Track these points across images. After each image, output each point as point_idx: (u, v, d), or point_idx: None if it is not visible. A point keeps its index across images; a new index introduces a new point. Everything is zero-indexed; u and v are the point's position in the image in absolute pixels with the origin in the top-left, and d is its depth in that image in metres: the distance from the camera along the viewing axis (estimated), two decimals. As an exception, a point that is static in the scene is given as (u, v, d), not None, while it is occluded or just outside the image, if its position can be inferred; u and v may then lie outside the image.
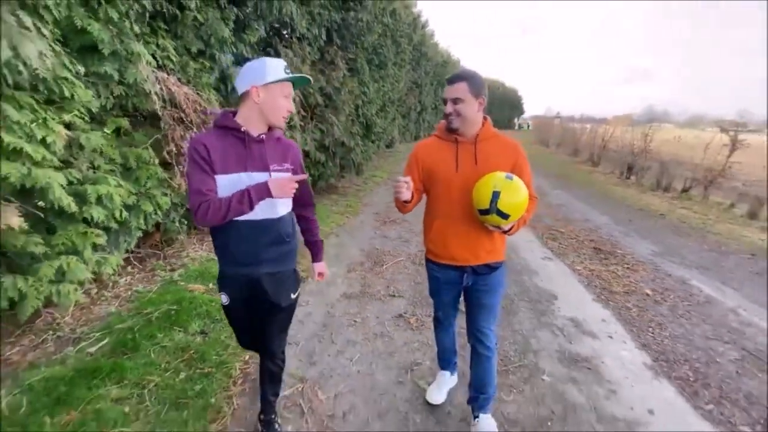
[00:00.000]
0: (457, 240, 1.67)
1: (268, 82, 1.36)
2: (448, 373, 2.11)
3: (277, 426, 1.81)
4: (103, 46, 2.52)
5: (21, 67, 1.76)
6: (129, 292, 3.01)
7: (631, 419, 2.02)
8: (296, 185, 1.40)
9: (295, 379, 2.19)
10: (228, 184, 1.38)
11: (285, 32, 5.90)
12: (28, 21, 1.78)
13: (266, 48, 5.48)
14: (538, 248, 4.79)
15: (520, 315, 3.06)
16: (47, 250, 2.25)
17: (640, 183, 9.92)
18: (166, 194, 3.20)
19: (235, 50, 4.40)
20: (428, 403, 2.03)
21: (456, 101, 1.55)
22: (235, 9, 4.10)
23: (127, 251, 3.17)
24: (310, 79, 1.54)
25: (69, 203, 2.21)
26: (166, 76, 3.17)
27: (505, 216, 1.46)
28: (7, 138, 1.88)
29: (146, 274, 3.33)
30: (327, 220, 5.41)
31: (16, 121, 1.95)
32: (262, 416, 1.82)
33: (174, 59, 3.36)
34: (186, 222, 3.75)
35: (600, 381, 2.31)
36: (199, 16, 3.63)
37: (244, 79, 1.40)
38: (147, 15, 3.05)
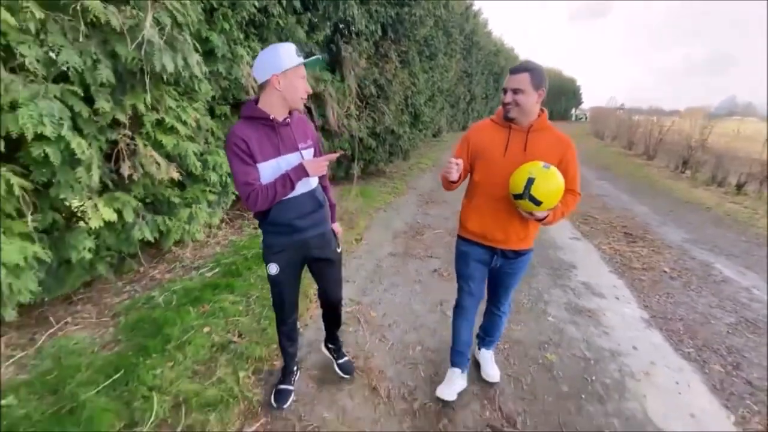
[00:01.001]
0: (494, 221, 1.73)
1: (285, 69, 1.45)
2: (458, 370, 2.04)
3: (344, 351, 2.23)
4: (218, 50, 3.35)
5: (183, 72, 2.59)
6: (226, 241, 3.91)
7: (615, 350, 2.53)
8: (328, 163, 1.55)
9: (353, 302, 2.93)
10: (269, 170, 1.52)
11: (345, 29, 6.60)
12: (188, 38, 2.59)
13: (329, 44, 6.22)
14: (569, 230, 5.17)
15: (539, 278, 3.57)
16: (181, 200, 3.15)
17: (695, 177, 9.64)
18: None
19: (306, 48, 5.18)
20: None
21: (516, 92, 1.59)
22: (308, 14, 4.86)
23: (223, 210, 4.08)
24: (320, 58, 1.65)
25: (197, 167, 3.07)
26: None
27: (537, 202, 1.50)
28: (167, 119, 2.74)
29: (236, 230, 4.24)
30: (377, 198, 6.12)
31: (170, 107, 2.81)
32: (329, 345, 2.21)
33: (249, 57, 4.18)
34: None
35: (597, 325, 2.82)
36: (281, 22, 4.42)
37: (263, 69, 1.46)
38: (244, 23, 3.87)
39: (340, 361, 2.18)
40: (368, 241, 4.31)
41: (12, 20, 1.83)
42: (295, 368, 2.09)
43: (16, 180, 1.95)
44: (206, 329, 2.45)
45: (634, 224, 5.53)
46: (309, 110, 5.38)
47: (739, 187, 7.88)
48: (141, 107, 2.49)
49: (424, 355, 2.40)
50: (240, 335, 2.47)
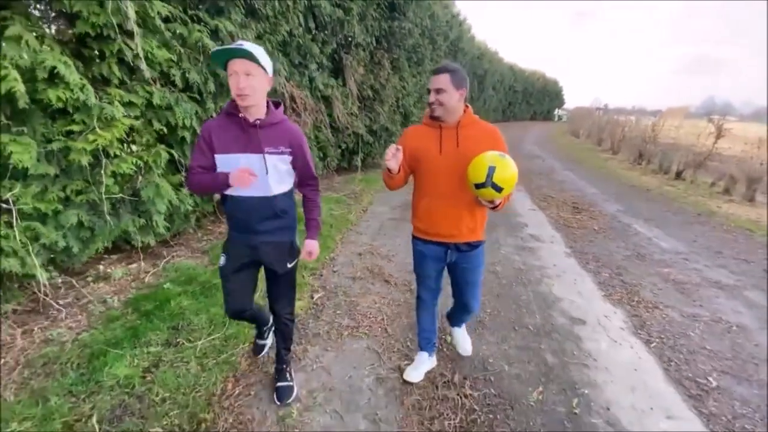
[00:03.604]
0: (442, 217, 1.81)
1: (223, 68, 1.50)
2: (426, 354, 2.20)
3: (288, 375, 2.01)
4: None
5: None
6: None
7: (540, 266, 3.86)
8: (252, 178, 1.50)
9: (367, 244, 4.20)
10: (225, 162, 1.56)
11: (346, 42, 7.86)
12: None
13: (334, 55, 7.47)
14: (529, 204, 6.53)
15: (498, 231, 4.89)
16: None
17: (646, 167, 11.15)
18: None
19: (317, 60, 6.43)
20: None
21: (438, 91, 1.68)
22: (321, 33, 6.12)
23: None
24: (244, 49, 1.42)
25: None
26: (286, 81, 5.23)
27: (498, 189, 1.55)
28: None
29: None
30: (376, 183, 7.39)
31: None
32: (275, 365, 2.05)
33: (287, 70, 5.42)
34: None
35: (532, 254, 4.16)
36: (300, 41, 5.67)
37: None
38: (277, 43, 5.11)
39: (279, 384, 1.98)
40: (372, 211, 5.59)
41: (166, 54, 3.05)
42: (266, 326, 2.21)
43: (165, 153, 3.17)
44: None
45: (582, 201, 6.92)
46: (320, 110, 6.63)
47: (678, 173, 9.38)
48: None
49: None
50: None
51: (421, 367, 2.19)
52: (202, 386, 2.02)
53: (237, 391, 2.03)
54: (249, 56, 1.44)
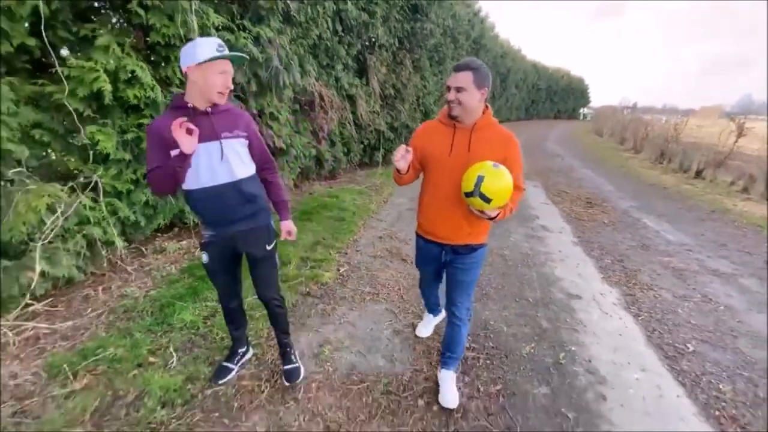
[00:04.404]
0: (441, 219, 1.81)
1: (199, 62, 1.46)
2: (432, 315, 2.51)
3: (293, 357, 2.13)
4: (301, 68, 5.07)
5: (290, 84, 4.29)
6: (307, 195, 5.65)
7: (546, 251, 4.18)
8: (181, 126, 1.39)
9: (387, 230, 4.62)
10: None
11: (370, 43, 8.28)
12: (295, 63, 4.30)
13: (358, 56, 7.90)
14: (543, 198, 6.78)
15: (509, 222, 5.21)
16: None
17: (667, 166, 11.11)
18: (314, 146, 5.79)
19: (343, 61, 6.88)
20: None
21: (459, 90, 1.61)
22: (348, 36, 6.56)
23: (291, 171, 5.81)
24: (244, 56, 1.62)
25: (288, 146, 4.79)
26: (315, 81, 5.70)
27: (487, 199, 1.53)
28: (273, 112, 4.46)
29: (305, 193, 5.97)
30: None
31: (275, 105, 4.53)
32: (279, 350, 2.15)
33: (316, 71, 5.90)
34: (319, 159, 6.36)
35: (540, 242, 4.47)
36: (328, 44, 6.12)
37: (182, 59, 1.49)
38: (308, 46, 5.58)
39: (286, 367, 2.09)
40: (392, 202, 6.00)
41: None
42: (242, 350, 2.15)
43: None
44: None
45: (597, 197, 7.11)
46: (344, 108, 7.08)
47: (698, 172, 9.37)
48: (265, 105, 4.21)
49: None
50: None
51: (430, 324, 2.50)
52: (251, 330, 2.48)
53: (279, 336, 2.49)
54: (242, 62, 1.77)
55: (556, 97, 39.31)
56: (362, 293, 3.09)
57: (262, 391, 2.01)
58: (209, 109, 1.56)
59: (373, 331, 2.60)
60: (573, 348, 2.50)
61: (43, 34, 2.51)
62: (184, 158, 1.46)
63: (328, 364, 2.24)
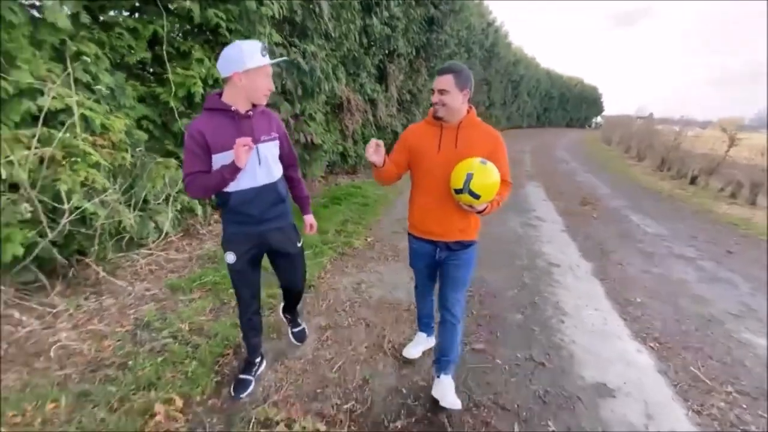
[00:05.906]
0: (433, 216, 1.85)
1: (248, 68, 1.51)
2: (424, 334, 2.41)
3: (299, 321, 2.42)
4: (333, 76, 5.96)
5: (329, 90, 5.18)
6: (334, 185, 6.53)
7: (537, 236, 4.98)
8: (246, 146, 1.48)
9: (403, 215, 5.45)
10: (225, 160, 1.54)
11: (389, 53, 9.16)
12: (338, 72, 5.19)
13: (379, 64, 8.78)
14: (543, 196, 7.56)
15: (509, 213, 6.01)
16: (310, 157, 5.76)
17: (666, 174, 11.76)
18: (340, 144, 6.68)
19: (367, 70, 7.77)
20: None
21: (442, 92, 1.70)
22: (372, 48, 7.46)
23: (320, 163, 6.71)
24: (288, 59, 1.68)
25: (321, 142, 5.68)
26: (344, 87, 6.60)
27: (476, 196, 1.61)
28: (316, 116, 5.36)
29: (332, 183, 6.86)
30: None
31: (314, 109, 5.43)
32: (286, 315, 2.36)
33: (345, 78, 6.79)
34: (344, 154, 7.25)
35: (533, 229, 5.28)
36: (356, 54, 7.02)
37: (226, 65, 1.52)
38: (339, 57, 6.48)
39: (295, 330, 2.32)
40: (406, 194, 6.81)
41: (276, 68, 4.45)
42: (258, 359, 2.11)
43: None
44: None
45: (592, 197, 7.85)
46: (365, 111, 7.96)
47: (693, 179, 10.03)
48: (306, 107, 5.11)
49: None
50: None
51: (419, 346, 2.38)
52: (311, 271, 3.35)
53: (331, 271, 3.36)
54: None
55: (568, 105, 39.73)
56: (386, 255, 3.94)
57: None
58: (250, 112, 1.62)
59: (396, 278, 3.45)
60: (546, 295, 3.32)
61: (162, 49, 3.44)
62: (237, 171, 1.54)
63: (365, 294, 3.11)
